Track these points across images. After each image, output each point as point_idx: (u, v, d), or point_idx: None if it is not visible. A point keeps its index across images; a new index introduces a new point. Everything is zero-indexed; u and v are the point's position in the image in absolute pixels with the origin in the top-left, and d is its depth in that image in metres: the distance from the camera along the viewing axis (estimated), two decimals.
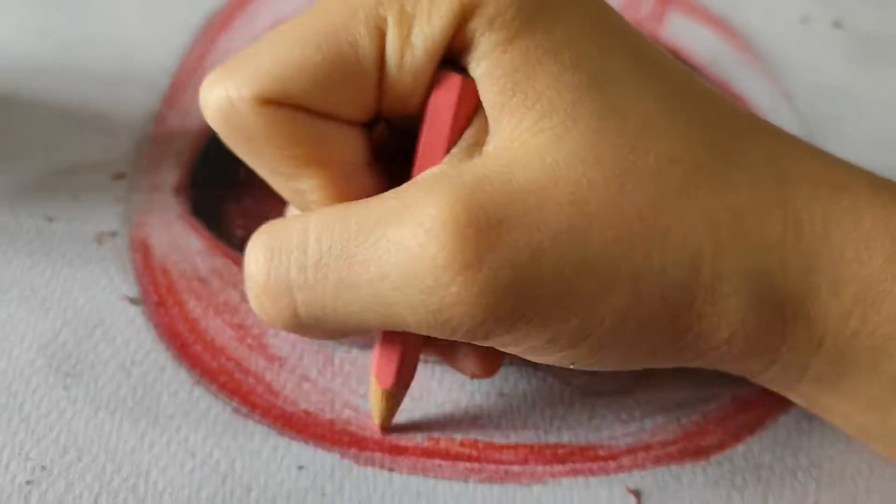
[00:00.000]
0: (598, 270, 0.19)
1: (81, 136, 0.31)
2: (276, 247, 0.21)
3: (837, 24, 0.38)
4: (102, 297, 0.27)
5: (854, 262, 0.20)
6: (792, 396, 0.23)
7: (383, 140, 0.24)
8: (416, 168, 0.22)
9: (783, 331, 0.21)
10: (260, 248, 0.22)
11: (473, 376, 0.24)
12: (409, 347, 0.23)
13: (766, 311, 0.21)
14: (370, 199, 0.21)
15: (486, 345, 0.21)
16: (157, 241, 0.29)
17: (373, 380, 0.24)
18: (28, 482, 0.23)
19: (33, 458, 0.24)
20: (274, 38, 0.21)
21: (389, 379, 0.23)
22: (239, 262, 0.28)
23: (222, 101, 0.21)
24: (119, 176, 0.30)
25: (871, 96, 0.35)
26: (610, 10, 0.22)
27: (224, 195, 0.30)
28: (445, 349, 0.24)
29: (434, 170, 0.21)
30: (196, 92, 0.33)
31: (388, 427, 0.25)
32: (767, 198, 0.21)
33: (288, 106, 0.21)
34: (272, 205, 0.29)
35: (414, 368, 0.24)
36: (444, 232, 0.19)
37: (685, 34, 0.37)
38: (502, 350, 0.21)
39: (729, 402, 0.26)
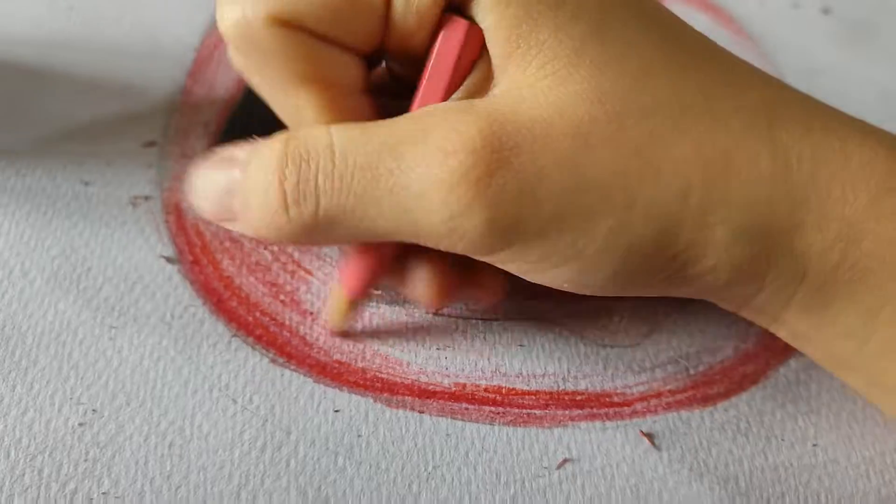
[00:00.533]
0: (593, 194, 0.21)
1: (112, 107, 0.33)
2: (302, 155, 0.23)
3: (826, 10, 0.40)
4: (140, 256, 0.29)
5: (839, 202, 0.22)
6: (775, 328, 0.25)
7: (381, 79, 0.26)
8: (416, 103, 0.24)
9: (768, 261, 0.23)
10: (285, 154, 0.23)
11: (423, 304, 0.26)
12: (378, 266, 0.26)
13: (751, 242, 0.22)
14: (385, 121, 0.23)
15: (487, 260, 0.23)
16: (189, 205, 0.30)
17: (338, 286, 0.26)
18: (80, 424, 0.25)
19: (84, 403, 0.25)
20: None
21: (355, 289, 0.26)
22: None
23: (238, 18, 0.23)
24: (150, 144, 0.32)
25: (858, 77, 0.38)
26: None
27: None
28: (401, 274, 0.26)
29: (447, 103, 0.23)
30: (219, 66, 0.35)
31: (339, 332, 0.27)
32: (759, 137, 0.22)
33: (297, 27, 0.22)
34: None
35: (375, 286, 0.27)
36: (464, 150, 0.21)
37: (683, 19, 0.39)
38: (501, 267, 0.23)
39: (732, 354, 0.28)
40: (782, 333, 0.25)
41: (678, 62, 0.22)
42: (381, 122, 0.23)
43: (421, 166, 0.21)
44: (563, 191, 0.21)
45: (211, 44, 0.36)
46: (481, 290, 0.27)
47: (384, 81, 0.26)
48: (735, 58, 0.24)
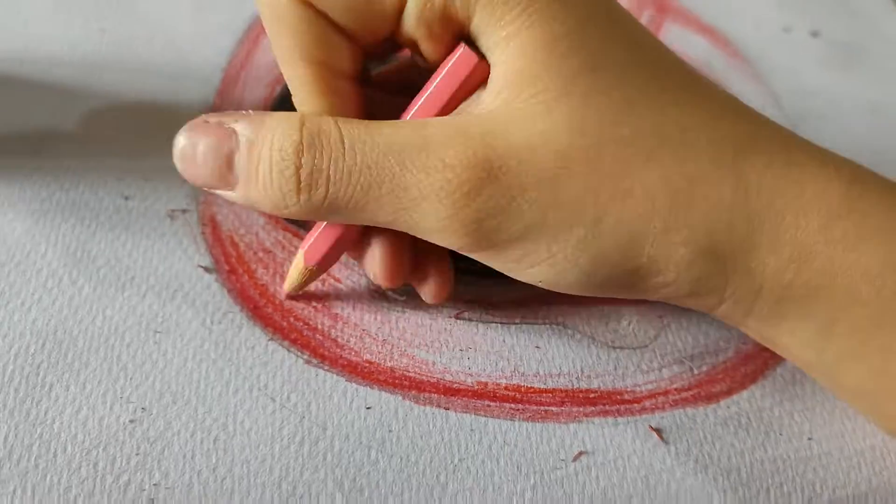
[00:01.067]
0: (567, 209, 0.24)
1: (146, 126, 0.35)
2: (317, 144, 0.25)
3: (815, 34, 0.43)
4: (179, 266, 0.31)
5: (792, 226, 0.24)
6: (744, 329, 0.27)
7: (383, 75, 0.29)
8: (414, 111, 0.26)
9: (726, 278, 0.25)
10: (304, 140, 0.25)
11: (376, 280, 0.29)
12: (340, 243, 0.28)
13: (710, 262, 0.25)
14: (387, 123, 0.25)
15: (473, 256, 0.26)
16: (224, 217, 0.32)
17: (301, 253, 0.29)
18: (131, 421, 0.27)
19: (133, 401, 0.27)
20: None
21: (315, 258, 0.28)
22: (298, 236, 0.32)
23: None
24: None
25: (848, 97, 0.40)
26: (614, 3, 0.26)
27: None
28: (360, 251, 0.29)
29: (447, 118, 0.25)
30: (246, 86, 0.37)
31: (293, 296, 0.30)
32: (724, 169, 0.25)
33: (317, 10, 0.25)
34: None
35: (335, 260, 0.29)
36: (461, 166, 0.24)
37: (681, 41, 0.41)
38: (486, 263, 0.26)
39: (733, 355, 0.30)
40: (752, 335, 0.28)
41: (661, 96, 0.25)
42: (383, 124, 0.25)
43: (422, 173, 0.24)
44: (541, 205, 0.24)
45: (238, 64, 0.38)
46: (429, 279, 0.29)
47: (386, 77, 0.30)
48: (715, 89, 0.26)
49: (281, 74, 0.38)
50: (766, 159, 0.25)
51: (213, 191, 0.27)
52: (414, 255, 0.29)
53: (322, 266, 0.29)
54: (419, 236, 0.26)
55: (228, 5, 0.40)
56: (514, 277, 0.26)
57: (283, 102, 0.36)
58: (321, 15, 0.25)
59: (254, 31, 0.40)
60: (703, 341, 0.31)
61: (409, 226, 0.25)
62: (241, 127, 0.26)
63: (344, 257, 0.31)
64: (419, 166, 0.24)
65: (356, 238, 0.28)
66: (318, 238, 0.28)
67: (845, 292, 0.24)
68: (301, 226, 0.32)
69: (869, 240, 0.24)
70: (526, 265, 0.25)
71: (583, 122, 0.24)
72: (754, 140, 0.25)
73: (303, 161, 0.25)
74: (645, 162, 0.24)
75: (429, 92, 0.26)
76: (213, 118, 0.26)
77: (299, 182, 0.25)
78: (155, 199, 0.32)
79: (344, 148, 0.25)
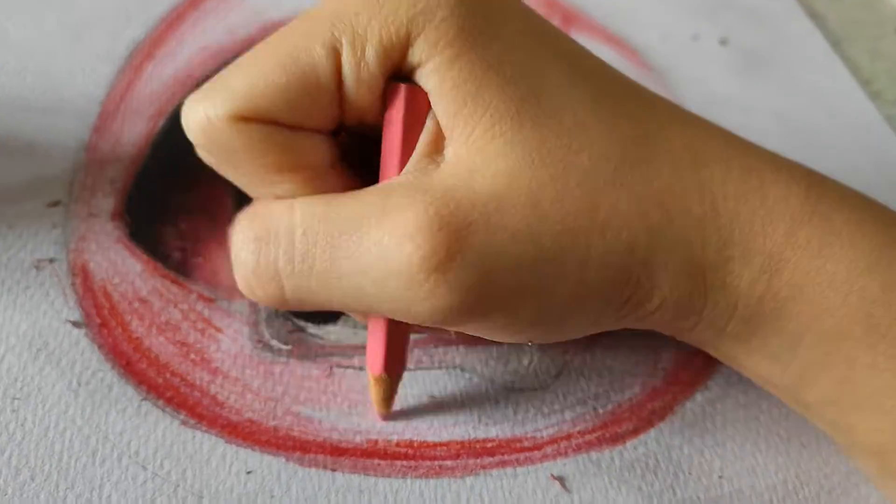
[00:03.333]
0: (549, 263, 0.22)
1: (13, 165, 0.32)
2: (263, 236, 0.23)
3: (723, 42, 0.42)
4: (44, 321, 0.28)
5: (759, 235, 0.24)
6: (712, 351, 0.27)
7: (346, 145, 0.26)
8: (381, 173, 0.24)
9: (705, 297, 0.24)
10: (249, 234, 0.24)
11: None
12: (394, 337, 0.26)
13: (690, 280, 0.24)
14: (350, 195, 0.23)
15: (452, 330, 0.24)
16: (97, 266, 0.30)
17: (367, 369, 0.26)
18: None
19: None
20: (244, 62, 0.24)
21: (378, 366, 0.26)
22: (177, 283, 0.30)
23: (201, 120, 0.23)
24: (54, 203, 0.31)
25: (756, 105, 0.39)
26: (543, 22, 0.25)
27: (160, 220, 0.31)
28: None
29: (407, 178, 0.23)
30: (125, 120, 0.35)
31: (386, 414, 0.27)
32: (686, 181, 0.24)
33: (259, 121, 0.23)
34: (207, 227, 0.31)
35: (403, 355, 0.26)
36: (420, 235, 0.21)
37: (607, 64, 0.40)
38: (469, 333, 0.24)
39: (639, 391, 0.29)
40: (715, 354, 0.27)
41: (609, 113, 0.23)
42: (347, 196, 0.23)
43: (380, 250, 0.22)
44: (521, 265, 0.22)
45: (117, 96, 0.35)
46: None
47: (349, 144, 0.26)
48: (654, 96, 0.25)
49: (164, 106, 0.36)
50: (723, 167, 0.24)
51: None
52: None
53: (390, 370, 0.26)
54: (397, 319, 0.24)
55: (108, 31, 0.38)
56: (494, 339, 0.25)
57: (165, 137, 0.34)
58: (267, 123, 0.23)
59: (136, 59, 0.37)
60: (609, 377, 0.29)
61: (376, 311, 0.23)
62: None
63: None
64: (376, 242, 0.22)
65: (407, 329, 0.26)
66: (370, 343, 0.26)
67: (812, 302, 0.24)
68: (181, 272, 0.30)
69: (832, 245, 0.24)
70: (513, 332, 0.24)
71: (542, 153, 0.22)
72: (707, 147, 0.24)
73: (247, 257, 0.24)
74: (612, 188, 0.23)
75: (384, 149, 0.24)
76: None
77: (253, 280, 0.24)
78: (19, 248, 0.30)
79: (294, 234, 0.23)
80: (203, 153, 0.25)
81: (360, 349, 0.29)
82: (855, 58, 0.43)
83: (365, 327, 0.29)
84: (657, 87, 0.39)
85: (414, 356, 0.29)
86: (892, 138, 0.39)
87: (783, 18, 0.44)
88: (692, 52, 0.41)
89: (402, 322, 0.25)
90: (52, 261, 0.30)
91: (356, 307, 0.24)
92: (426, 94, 0.23)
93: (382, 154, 0.24)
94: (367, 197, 0.23)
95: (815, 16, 0.45)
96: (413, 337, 0.29)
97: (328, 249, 0.23)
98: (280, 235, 0.23)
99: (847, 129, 0.39)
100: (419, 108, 0.23)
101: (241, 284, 0.24)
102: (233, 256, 0.24)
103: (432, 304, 0.22)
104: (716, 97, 0.39)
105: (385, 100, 0.24)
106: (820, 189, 0.25)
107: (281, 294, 0.24)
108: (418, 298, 0.22)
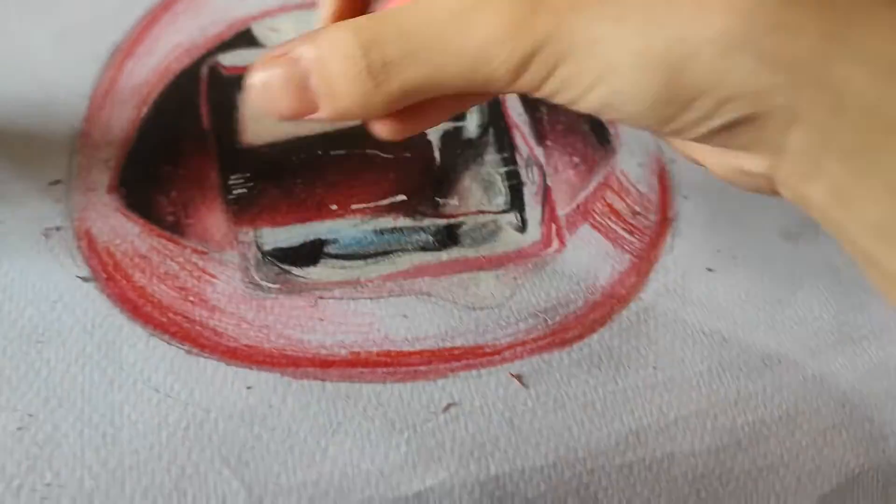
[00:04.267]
0: (629, 18, 0.23)
1: (13, 154, 0.36)
2: (370, 39, 0.25)
3: None
4: (57, 278, 0.32)
5: (877, 36, 0.22)
6: (812, 192, 0.24)
7: None
8: None
9: (797, 94, 0.22)
10: (360, 41, 0.25)
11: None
12: None
13: (776, 71, 0.22)
14: (429, 4, 0.25)
15: (540, 96, 0.25)
16: (99, 231, 0.34)
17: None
18: (19, 428, 0.28)
19: (20, 409, 0.28)
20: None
21: None
22: (172, 240, 0.34)
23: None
24: (55, 182, 0.35)
25: None
26: None
27: (152, 189, 0.35)
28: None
29: None
30: (113, 110, 0.39)
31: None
32: None
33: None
34: (196, 193, 0.35)
35: None
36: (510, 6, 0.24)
37: None
38: (551, 101, 0.25)
39: (583, 305, 0.33)
40: (819, 196, 0.23)
41: None
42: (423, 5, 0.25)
43: (477, 26, 0.24)
44: (594, 18, 0.23)
45: (103, 91, 0.39)
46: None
47: None
48: None
49: (147, 96, 0.40)
50: None
51: (301, 119, 0.27)
52: None
53: None
54: (495, 87, 0.25)
55: (89, 35, 0.42)
56: (578, 109, 0.25)
57: (151, 122, 0.38)
58: None
59: (117, 58, 0.41)
60: (556, 295, 0.34)
61: (482, 82, 0.25)
62: (305, 50, 0.26)
63: None
64: (480, 22, 0.24)
65: None
66: None
67: None
68: (175, 231, 0.34)
69: None
70: (585, 88, 0.24)
71: None
72: None
73: (369, 58, 0.25)
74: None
75: None
76: (277, 51, 0.27)
77: (374, 78, 0.25)
78: (28, 220, 0.34)
79: (397, 35, 0.25)
80: None
81: (341, 284, 0.33)
82: None
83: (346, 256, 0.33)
84: None
85: (386, 287, 0.33)
86: None
87: None
88: None
89: None
90: (58, 229, 0.33)
91: (463, 79, 0.25)
92: None
93: None
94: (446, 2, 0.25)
95: None
96: (383, 272, 0.33)
97: (433, 40, 0.25)
98: (388, 36, 0.25)
99: None
100: None
101: (353, 88, 0.26)
102: (347, 65, 0.25)
103: (517, 58, 0.24)
104: None
105: None
106: None
107: (397, 86, 0.25)
108: (507, 56, 0.24)
